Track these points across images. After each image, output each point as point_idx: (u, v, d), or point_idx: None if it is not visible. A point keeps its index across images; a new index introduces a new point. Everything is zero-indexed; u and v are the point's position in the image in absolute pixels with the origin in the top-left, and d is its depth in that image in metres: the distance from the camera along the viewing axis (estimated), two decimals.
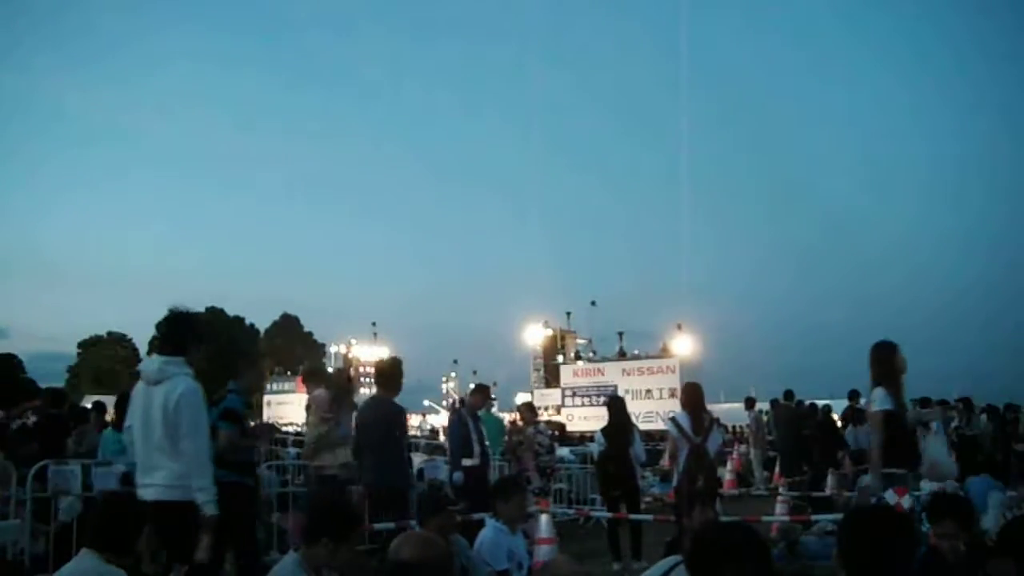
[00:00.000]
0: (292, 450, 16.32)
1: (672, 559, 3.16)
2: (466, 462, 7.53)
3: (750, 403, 15.25)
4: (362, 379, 47.59)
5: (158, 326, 4.27)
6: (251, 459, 5.17)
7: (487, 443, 7.93)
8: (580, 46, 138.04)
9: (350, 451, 6.19)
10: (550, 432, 10.57)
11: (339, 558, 3.28)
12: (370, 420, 6.11)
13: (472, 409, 8.18)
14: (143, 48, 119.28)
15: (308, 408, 6.58)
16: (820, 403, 14.13)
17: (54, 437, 7.94)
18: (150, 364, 4.15)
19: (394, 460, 5.96)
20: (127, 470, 5.75)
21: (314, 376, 6.99)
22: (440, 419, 32.26)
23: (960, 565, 3.32)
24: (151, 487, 3.79)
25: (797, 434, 12.43)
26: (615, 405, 7.97)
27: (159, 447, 3.82)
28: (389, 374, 6.41)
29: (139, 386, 4.02)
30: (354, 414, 6.56)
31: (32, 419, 8.86)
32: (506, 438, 10.22)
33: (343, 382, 6.86)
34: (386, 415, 6.07)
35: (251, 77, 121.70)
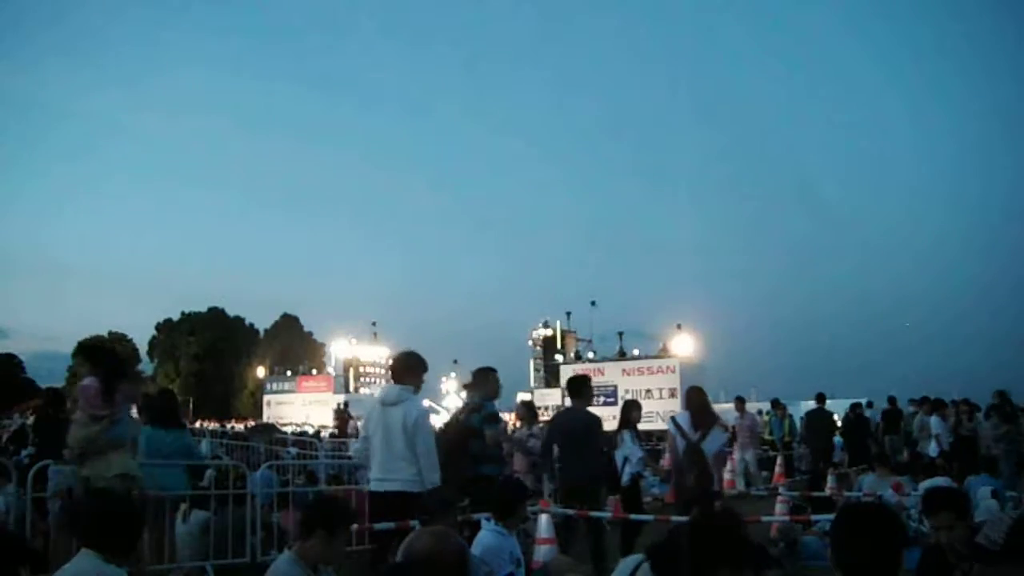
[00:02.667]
0: (292, 450, 16.36)
1: (636, 557, 3.15)
2: None
3: (740, 403, 14.73)
4: (362, 379, 47.82)
5: (394, 363, 5.64)
6: (502, 453, 6.70)
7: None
8: (579, 50, 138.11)
9: (129, 456, 5.44)
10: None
11: (334, 551, 3.30)
12: (568, 426, 6.80)
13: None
14: (148, 52, 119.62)
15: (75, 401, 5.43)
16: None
17: (53, 437, 7.93)
18: (390, 391, 5.35)
19: (589, 461, 6.56)
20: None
21: (90, 356, 6.01)
22: (441, 419, 32.27)
23: (962, 558, 3.30)
24: (393, 481, 5.03)
25: (828, 436, 13.52)
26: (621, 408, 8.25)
27: (399, 454, 5.02)
28: (578, 387, 7.05)
29: (376, 407, 5.26)
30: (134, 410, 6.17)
31: (31, 419, 8.85)
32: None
33: (118, 364, 5.56)
34: (585, 422, 6.66)
35: (254, 81, 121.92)
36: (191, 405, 47.52)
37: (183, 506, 6.79)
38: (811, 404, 14.59)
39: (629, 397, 14.94)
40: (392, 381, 5.49)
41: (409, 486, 4.97)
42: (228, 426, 28.65)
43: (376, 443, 5.14)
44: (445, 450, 5.50)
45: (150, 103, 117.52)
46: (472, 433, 6.07)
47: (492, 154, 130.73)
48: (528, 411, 10.12)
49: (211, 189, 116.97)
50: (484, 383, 6.44)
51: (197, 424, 28.73)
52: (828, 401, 14.53)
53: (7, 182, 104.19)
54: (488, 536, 4.37)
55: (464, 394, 9.78)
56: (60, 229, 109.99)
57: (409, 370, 5.40)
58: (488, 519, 4.52)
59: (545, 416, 31.61)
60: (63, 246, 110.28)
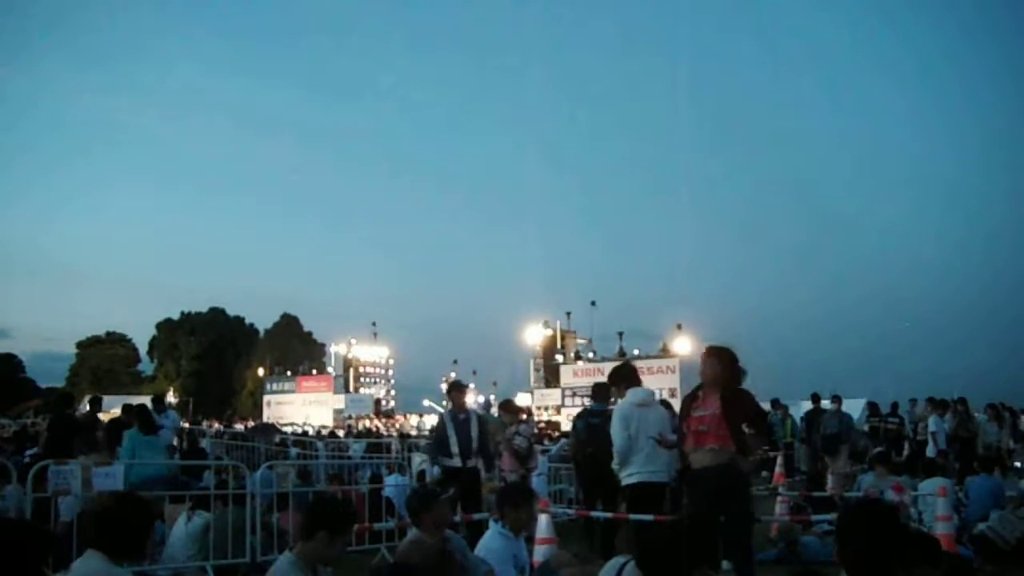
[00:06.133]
0: (293, 450, 16.36)
1: (622, 558, 3.16)
2: (445, 462, 7.56)
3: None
4: (362, 379, 47.83)
5: (619, 373, 6.57)
6: None
7: (474, 444, 7.68)
8: (580, 51, 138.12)
9: None
10: (531, 432, 10.23)
11: (335, 552, 3.30)
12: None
13: (455, 409, 7.99)
14: (150, 52, 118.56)
15: None
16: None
17: (63, 438, 8.00)
18: (644, 394, 6.23)
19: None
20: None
21: None
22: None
23: None
24: (658, 472, 5.94)
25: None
26: None
27: (654, 449, 5.82)
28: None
29: (633, 409, 6.03)
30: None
31: (31, 420, 8.91)
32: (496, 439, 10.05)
33: None
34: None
35: (255, 82, 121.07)
36: (191, 405, 47.48)
37: (186, 508, 6.80)
38: (810, 404, 14.70)
39: None
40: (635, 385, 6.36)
41: (658, 476, 5.98)
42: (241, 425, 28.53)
43: (641, 441, 5.92)
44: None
45: (151, 104, 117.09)
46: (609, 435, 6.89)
47: (493, 154, 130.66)
48: (509, 411, 10.04)
49: (211, 190, 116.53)
50: (606, 393, 7.56)
51: (205, 425, 28.50)
52: (806, 402, 14.72)
53: (7, 182, 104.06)
54: (492, 538, 4.36)
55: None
56: (60, 229, 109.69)
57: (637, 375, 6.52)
58: (496, 520, 4.52)
59: (545, 416, 31.75)
60: (63, 246, 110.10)
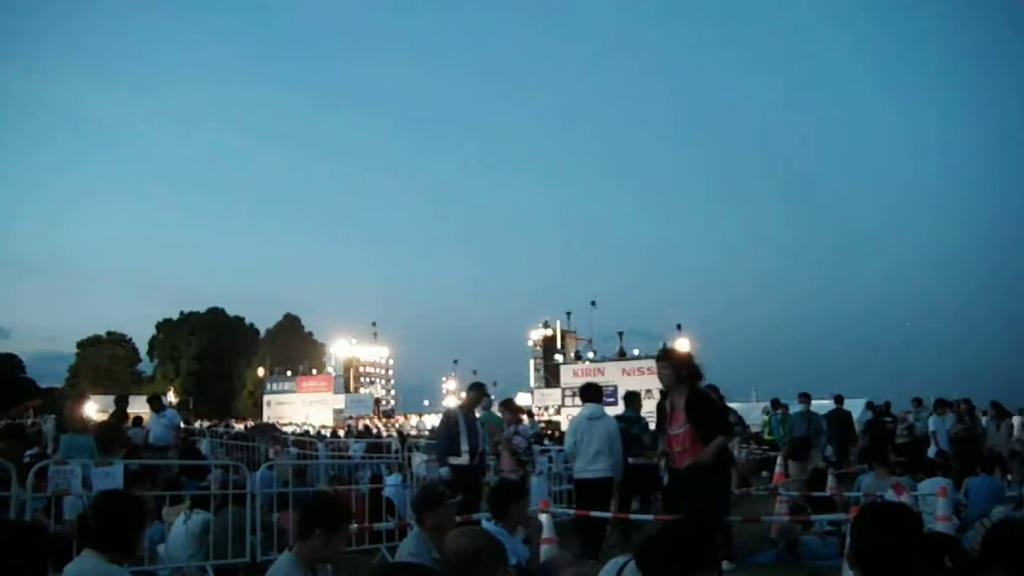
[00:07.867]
0: (293, 450, 16.35)
1: (621, 558, 3.15)
2: (453, 460, 7.52)
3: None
4: (362, 379, 47.78)
5: (585, 389, 7.83)
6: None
7: (479, 444, 7.78)
8: (572, 58, 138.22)
9: None
10: (531, 432, 10.17)
11: (332, 550, 3.29)
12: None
13: (467, 408, 8.05)
14: (156, 55, 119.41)
15: None
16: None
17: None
18: (595, 409, 7.43)
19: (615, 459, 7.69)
20: None
21: None
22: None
23: None
24: (598, 470, 7.11)
25: (850, 434, 14.16)
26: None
27: (600, 452, 7.11)
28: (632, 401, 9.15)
29: (583, 421, 7.30)
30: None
31: (31, 420, 8.90)
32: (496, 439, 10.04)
33: None
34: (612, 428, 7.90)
35: (257, 88, 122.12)
36: (191, 405, 47.47)
37: (185, 507, 6.79)
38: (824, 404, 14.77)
39: None
40: (587, 401, 7.56)
41: (608, 472, 7.15)
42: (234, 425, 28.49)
43: (584, 445, 7.14)
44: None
45: (155, 107, 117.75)
46: (635, 438, 8.17)
47: (491, 157, 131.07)
48: (509, 411, 10.01)
49: (212, 191, 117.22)
50: (637, 401, 9.18)
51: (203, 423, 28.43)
52: (816, 401, 14.72)
53: (11, 183, 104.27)
54: None
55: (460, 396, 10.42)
56: (62, 230, 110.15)
57: (600, 393, 7.78)
58: (489, 519, 4.51)
59: (545, 416, 31.73)
60: (65, 247, 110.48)
